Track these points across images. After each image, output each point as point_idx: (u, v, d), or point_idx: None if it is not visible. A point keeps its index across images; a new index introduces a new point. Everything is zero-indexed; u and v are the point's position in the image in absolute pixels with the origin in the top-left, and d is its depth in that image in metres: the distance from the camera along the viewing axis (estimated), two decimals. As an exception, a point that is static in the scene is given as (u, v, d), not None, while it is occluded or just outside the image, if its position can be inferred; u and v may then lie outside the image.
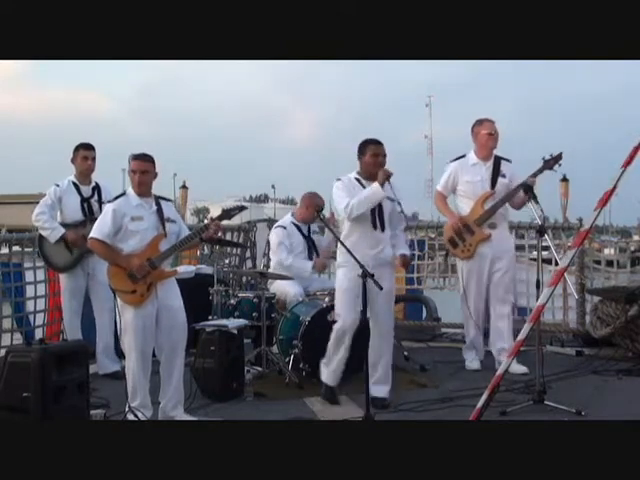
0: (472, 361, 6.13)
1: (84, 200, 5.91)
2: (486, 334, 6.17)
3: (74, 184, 5.93)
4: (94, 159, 5.97)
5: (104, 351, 5.91)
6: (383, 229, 5.01)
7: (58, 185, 5.93)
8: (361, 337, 4.74)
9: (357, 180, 5.06)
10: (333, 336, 5.13)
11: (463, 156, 6.06)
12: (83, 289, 5.96)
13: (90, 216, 5.81)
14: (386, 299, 5.02)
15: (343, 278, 5.03)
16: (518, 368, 5.59)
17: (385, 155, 5.03)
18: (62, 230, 5.81)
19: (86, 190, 5.94)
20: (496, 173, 5.93)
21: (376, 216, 4.97)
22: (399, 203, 5.03)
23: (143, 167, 4.56)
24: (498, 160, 5.98)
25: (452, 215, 6.02)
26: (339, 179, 5.08)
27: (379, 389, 4.95)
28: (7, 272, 6.44)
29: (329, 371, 5.16)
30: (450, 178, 6.04)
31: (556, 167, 5.72)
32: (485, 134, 5.92)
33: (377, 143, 5.06)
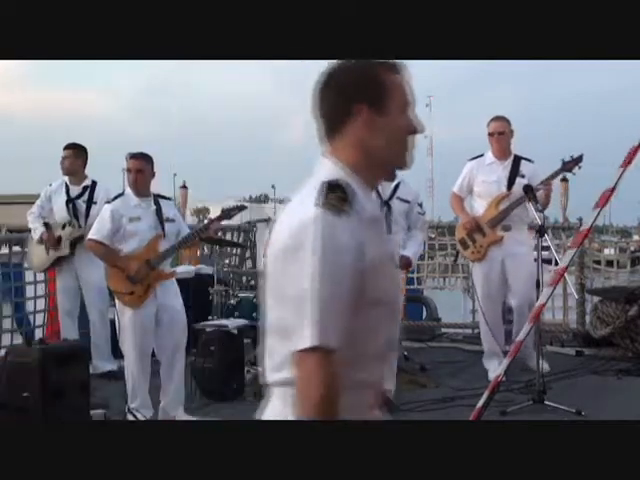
0: (495, 371, 5.54)
1: (70, 200, 5.89)
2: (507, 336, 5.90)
3: (66, 184, 5.92)
4: (68, 158, 5.90)
5: (95, 350, 5.90)
6: (389, 231, 4.94)
7: (51, 185, 5.95)
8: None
9: None
10: None
11: (481, 155, 5.77)
12: (74, 289, 5.95)
13: (74, 217, 5.79)
14: None
15: None
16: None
17: None
18: (40, 230, 5.82)
19: (75, 190, 5.92)
20: (514, 173, 5.58)
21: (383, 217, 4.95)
22: (419, 204, 5.13)
23: (138, 166, 4.56)
24: (518, 160, 5.65)
25: (465, 215, 5.73)
26: None
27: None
28: (7, 272, 6.44)
29: None
30: (465, 179, 5.75)
31: (575, 169, 5.40)
32: (489, 135, 5.65)
33: None
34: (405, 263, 5.04)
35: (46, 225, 5.86)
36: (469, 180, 5.75)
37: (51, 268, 6.09)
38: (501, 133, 5.61)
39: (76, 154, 5.94)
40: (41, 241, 5.84)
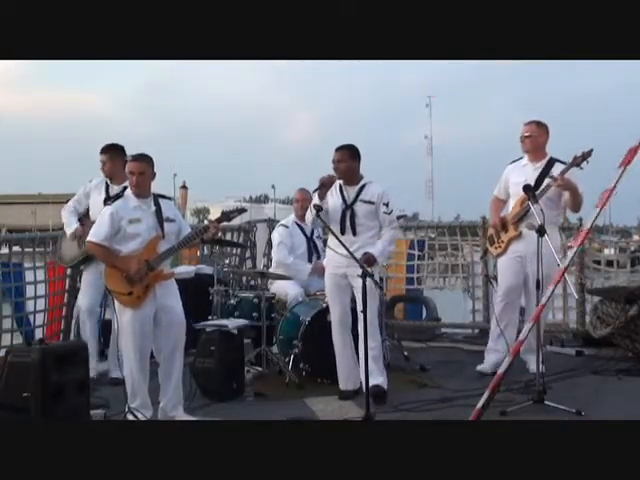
0: (484, 366, 5.82)
1: (107, 199, 5.83)
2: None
3: (106, 182, 5.87)
4: (105, 163, 5.78)
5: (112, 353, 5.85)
6: (354, 233, 5.10)
7: (91, 181, 5.92)
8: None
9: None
10: (333, 335, 5.21)
11: (521, 158, 5.88)
12: (99, 287, 5.86)
13: None
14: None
15: (325, 277, 5.32)
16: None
17: (339, 161, 5.09)
18: (74, 226, 5.80)
19: (115, 189, 5.76)
20: (544, 174, 5.63)
21: (346, 221, 5.10)
22: (385, 204, 5.11)
23: (140, 168, 4.53)
24: (552, 161, 5.69)
25: (496, 216, 5.90)
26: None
27: (372, 379, 4.91)
28: (7, 272, 6.44)
29: (341, 375, 5.18)
30: (502, 181, 5.94)
31: (584, 164, 5.40)
32: (520, 138, 5.75)
33: (336, 149, 5.17)
34: (367, 260, 4.95)
35: (80, 221, 5.85)
36: (505, 182, 5.92)
37: (78, 265, 6.03)
38: (528, 136, 5.71)
39: (112, 157, 5.81)
40: (74, 237, 5.82)
